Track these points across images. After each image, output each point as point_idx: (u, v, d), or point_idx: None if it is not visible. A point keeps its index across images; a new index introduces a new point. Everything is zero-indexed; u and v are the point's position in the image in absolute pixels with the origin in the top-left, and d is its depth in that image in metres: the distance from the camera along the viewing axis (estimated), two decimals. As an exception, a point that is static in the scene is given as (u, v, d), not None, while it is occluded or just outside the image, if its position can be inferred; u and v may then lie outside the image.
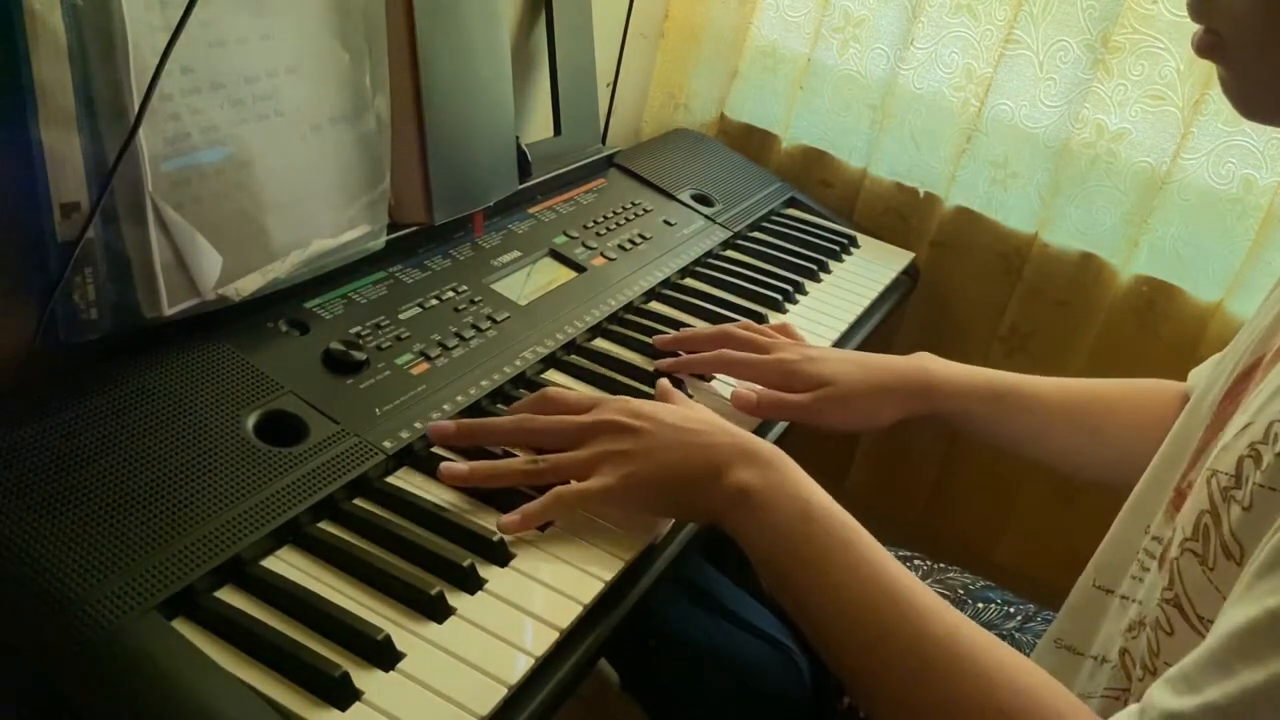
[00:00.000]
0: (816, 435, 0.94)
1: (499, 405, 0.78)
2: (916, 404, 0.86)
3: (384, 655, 0.54)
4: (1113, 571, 0.65)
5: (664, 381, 0.79)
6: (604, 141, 1.22)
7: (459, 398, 0.75)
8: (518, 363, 0.82)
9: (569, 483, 0.66)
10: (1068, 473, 0.88)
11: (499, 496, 0.67)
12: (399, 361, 0.76)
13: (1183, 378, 0.80)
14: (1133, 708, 0.44)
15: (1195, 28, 0.55)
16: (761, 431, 0.86)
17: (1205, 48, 0.54)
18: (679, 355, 0.89)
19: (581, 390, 0.82)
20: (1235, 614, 0.42)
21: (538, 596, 0.61)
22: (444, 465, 0.68)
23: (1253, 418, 0.51)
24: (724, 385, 0.88)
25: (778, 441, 0.87)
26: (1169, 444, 0.64)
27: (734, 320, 0.98)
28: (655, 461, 0.66)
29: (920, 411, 0.87)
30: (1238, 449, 0.51)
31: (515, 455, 0.70)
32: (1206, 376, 0.65)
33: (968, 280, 1.31)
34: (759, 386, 0.85)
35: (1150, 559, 0.60)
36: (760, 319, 1.01)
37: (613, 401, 0.70)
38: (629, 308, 0.97)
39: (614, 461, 0.66)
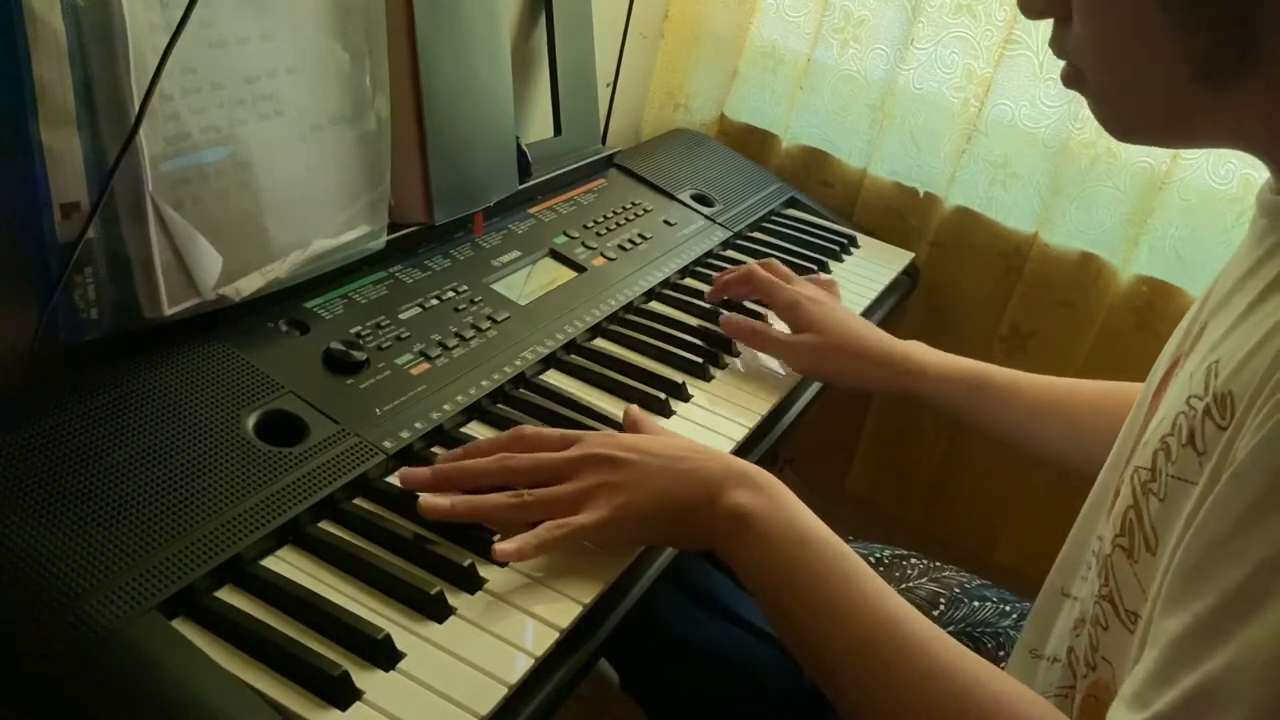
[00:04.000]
0: (817, 433, 0.94)
1: (499, 405, 0.78)
2: (896, 381, 0.91)
3: (384, 655, 0.54)
4: (1070, 574, 0.66)
5: (633, 410, 0.77)
6: (604, 141, 1.22)
7: (459, 397, 0.75)
8: (518, 363, 0.82)
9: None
10: (1054, 466, 0.90)
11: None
12: (399, 361, 0.76)
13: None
14: None
15: None
16: (777, 414, 0.89)
17: (1067, 79, 0.56)
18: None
19: (582, 390, 0.83)
20: (1169, 624, 0.43)
21: (538, 596, 0.61)
22: (423, 499, 0.64)
23: (1165, 412, 0.53)
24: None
25: (786, 433, 0.89)
26: (1116, 445, 0.65)
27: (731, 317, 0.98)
28: (648, 490, 0.64)
29: (900, 389, 0.92)
30: (1153, 443, 0.52)
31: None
32: (1148, 377, 0.66)
33: (968, 280, 1.31)
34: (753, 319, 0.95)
35: (1094, 557, 0.61)
36: (761, 319, 1.01)
37: (593, 436, 0.68)
38: (629, 308, 0.97)
39: (605, 494, 0.64)
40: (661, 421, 0.81)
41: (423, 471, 0.67)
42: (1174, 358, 0.60)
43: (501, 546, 0.62)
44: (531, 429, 0.70)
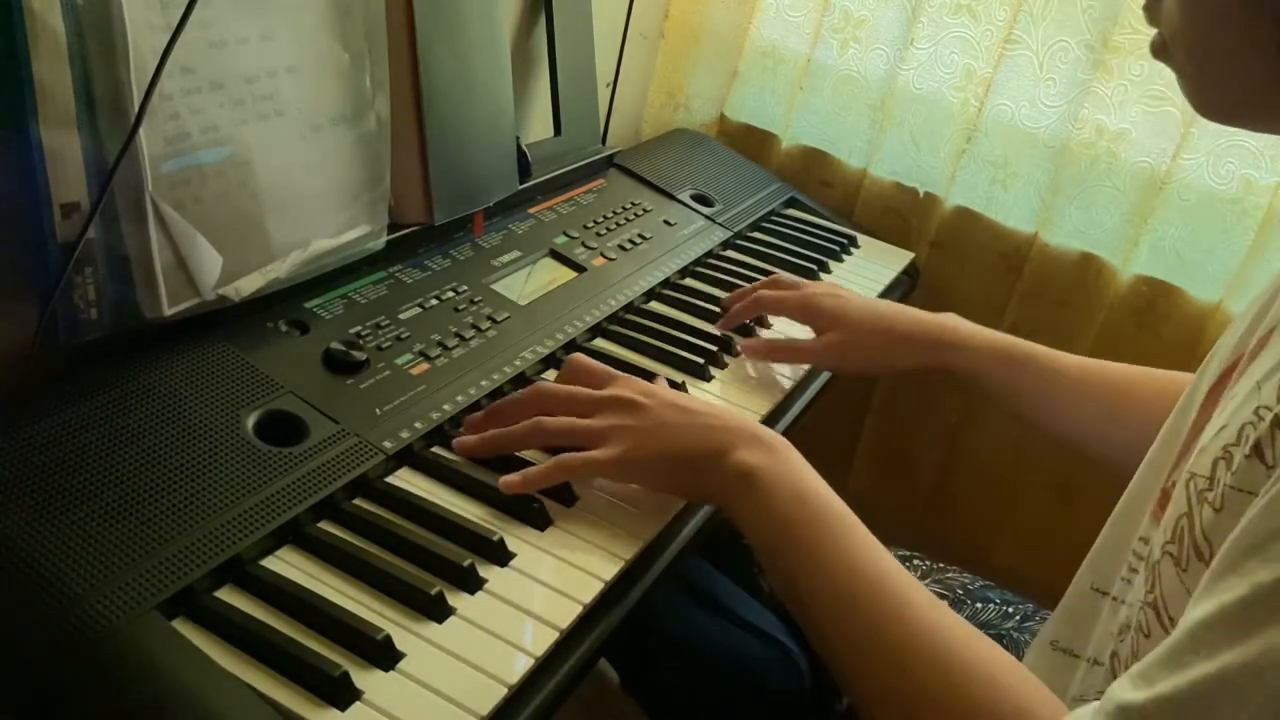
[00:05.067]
0: (817, 433, 0.93)
1: (499, 405, 0.78)
2: (933, 354, 0.89)
3: (384, 655, 0.54)
4: (1106, 573, 0.65)
5: (661, 380, 0.80)
6: (604, 141, 1.22)
7: (459, 398, 0.75)
8: (518, 363, 0.82)
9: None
10: (1080, 449, 0.89)
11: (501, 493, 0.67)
12: (399, 361, 0.76)
13: (1183, 379, 0.80)
14: (1094, 704, 0.45)
15: None
16: (777, 414, 0.89)
17: (1156, 50, 0.56)
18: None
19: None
20: (1194, 611, 0.43)
21: (538, 596, 0.61)
22: (457, 440, 0.71)
23: (1227, 420, 0.52)
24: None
25: (786, 433, 0.88)
26: (1158, 443, 0.65)
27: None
28: (661, 438, 0.67)
29: (937, 363, 0.90)
30: (1213, 451, 0.51)
31: None
32: (1194, 378, 0.65)
33: (968, 280, 1.31)
34: (774, 335, 0.94)
35: (1139, 560, 0.61)
36: (761, 319, 1.01)
37: (627, 380, 0.72)
38: (629, 308, 0.97)
39: (621, 434, 0.68)
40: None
41: (470, 440, 0.71)
42: (1233, 358, 0.59)
43: (507, 478, 0.66)
44: (582, 357, 0.76)
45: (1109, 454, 0.85)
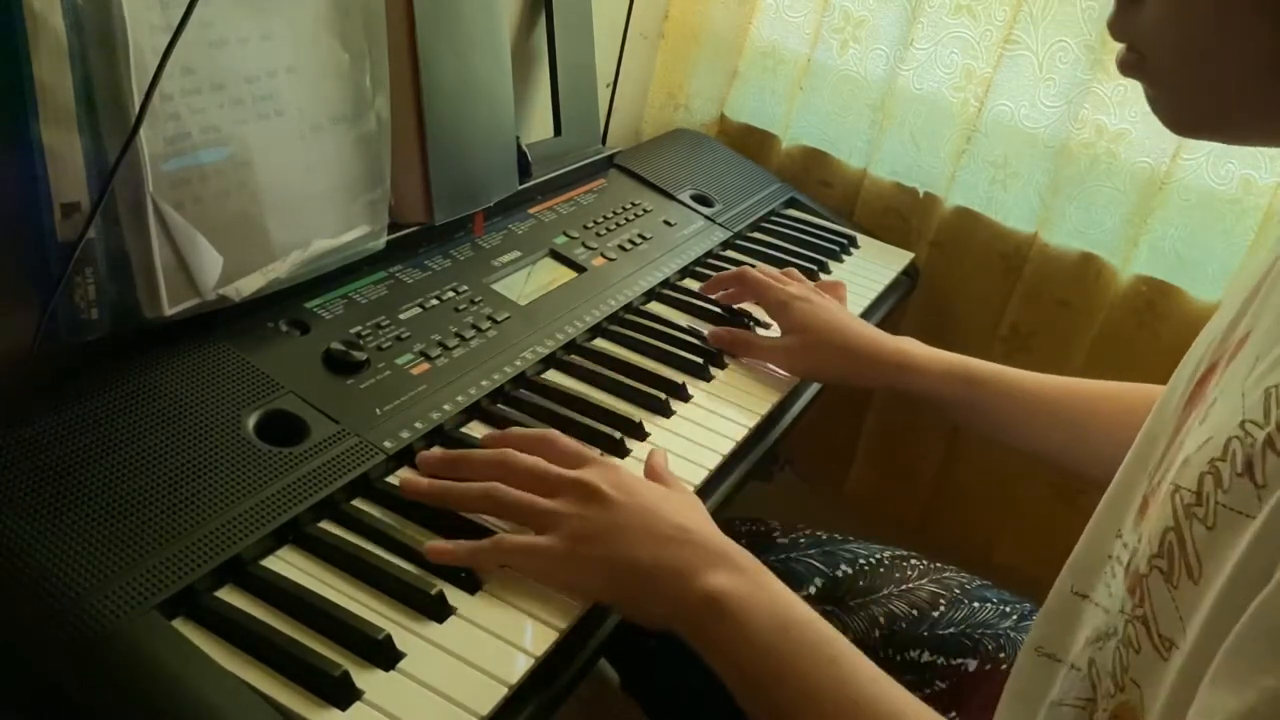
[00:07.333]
0: (817, 433, 0.94)
1: (499, 405, 0.78)
2: (885, 377, 0.91)
3: (384, 655, 0.55)
4: (1087, 576, 0.65)
5: (656, 458, 0.73)
6: (604, 142, 1.22)
7: (459, 398, 0.75)
8: (518, 363, 0.82)
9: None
10: (1057, 465, 0.90)
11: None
12: (399, 361, 0.76)
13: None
14: None
15: None
16: (777, 414, 0.89)
17: (1127, 67, 0.54)
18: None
19: (583, 389, 0.82)
20: (1228, 700, 0.40)
21: (538, 596, 0.61)
22: (404, 476, 0.66)
23: (1212, 432, 0.50)
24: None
25: (786, 433, 0.90)
26: (1137, 446, 0.64)
27: (732, 319, 0.99)
28: (616, 541, 0.61)
29: (890, 386, 0.92)
30: (1199, 464, 0.50)
31: None
32: (1173, 378, 0.65)
33: (968, 280, 1.31)
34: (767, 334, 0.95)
35: (1117, 563, 0.60)
36: (759, 319, 1.01)
37: (602, 466, 0.66)
38: (629, 308, 0.97)
39: (573, 525, 0.62)
40: (661, 421, 0.81)
41: (420, 483, 0.66)
42: (1210, 361, 0.58)
43: (433, 545, 0.61)
44: (560, 436, 0.69)
45: (1080, 468, 0.86)
